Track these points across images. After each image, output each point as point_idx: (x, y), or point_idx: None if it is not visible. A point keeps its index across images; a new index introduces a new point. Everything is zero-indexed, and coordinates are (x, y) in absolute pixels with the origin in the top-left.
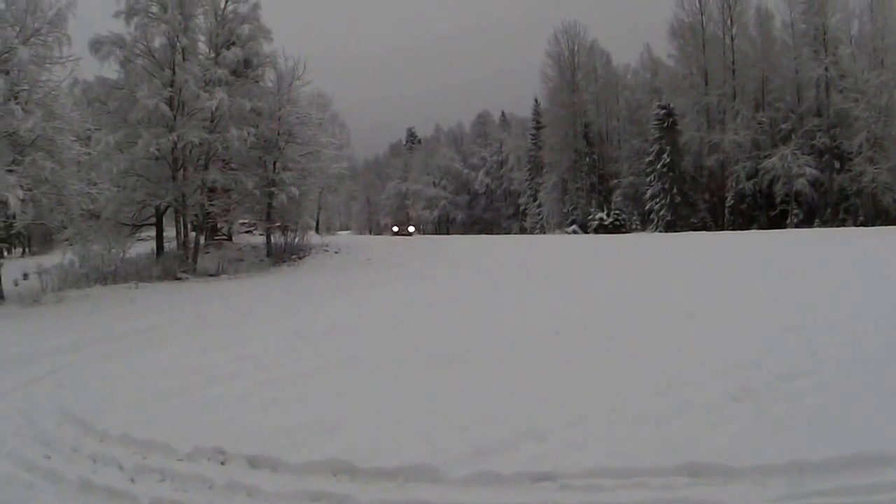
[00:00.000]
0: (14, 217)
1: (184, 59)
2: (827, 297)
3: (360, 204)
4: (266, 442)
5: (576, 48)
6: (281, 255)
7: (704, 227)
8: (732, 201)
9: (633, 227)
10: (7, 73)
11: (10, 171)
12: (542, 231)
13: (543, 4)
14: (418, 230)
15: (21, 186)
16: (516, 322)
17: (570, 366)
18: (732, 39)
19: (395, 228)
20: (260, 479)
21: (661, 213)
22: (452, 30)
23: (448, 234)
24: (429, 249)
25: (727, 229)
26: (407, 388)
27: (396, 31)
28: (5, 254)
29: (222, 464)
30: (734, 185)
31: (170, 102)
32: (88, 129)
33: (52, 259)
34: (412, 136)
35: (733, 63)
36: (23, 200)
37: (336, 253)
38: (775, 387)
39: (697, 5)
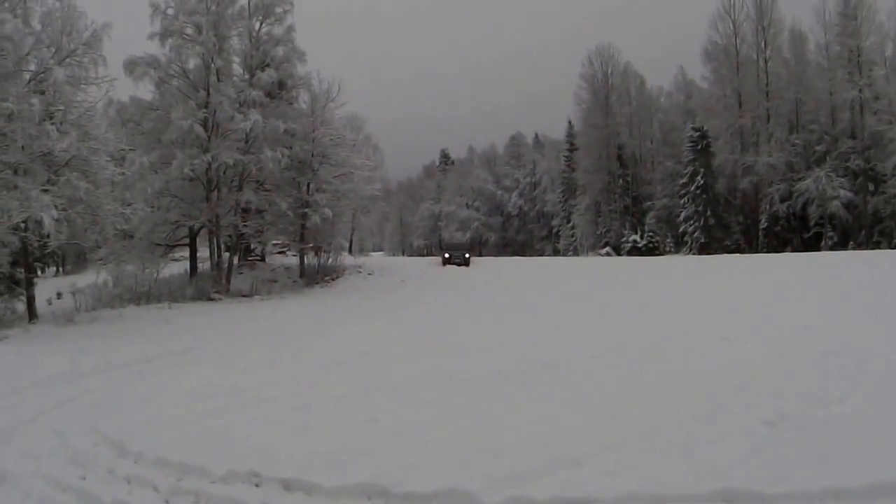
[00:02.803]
0: (48, 236)
1: (218, 80)
2: (863, 321)
3: (394, 225)
4: (300, 465)
5: (609, 70)
6: (314, 277)
7: (738, 250)
8: (766, 224)
9: (667, 249)
10: (42, 93)
11: (45, 190)
12: (576, 253)
13: (578, 28)
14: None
15: (55, 206)
16: (550, 346)
17: (604, 390)
18: (766, 62)
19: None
20: (294, 502)
21: (695, 235)
22: (487, 54)
23: (481, 255)
24: (462, 272)
25: (761, 252)
26: (441, 413)
27: (430, 56)
28: (39, 273)
29: (257, 486)
30: (768, 207)
31: (204, 123)
32: (123, 150)
33: (85, 279)
34: (445, 158)
35: (767, 85)
36: (57, 220)
37: (369, 274)
38: (811, 412)
39: (731, 28)
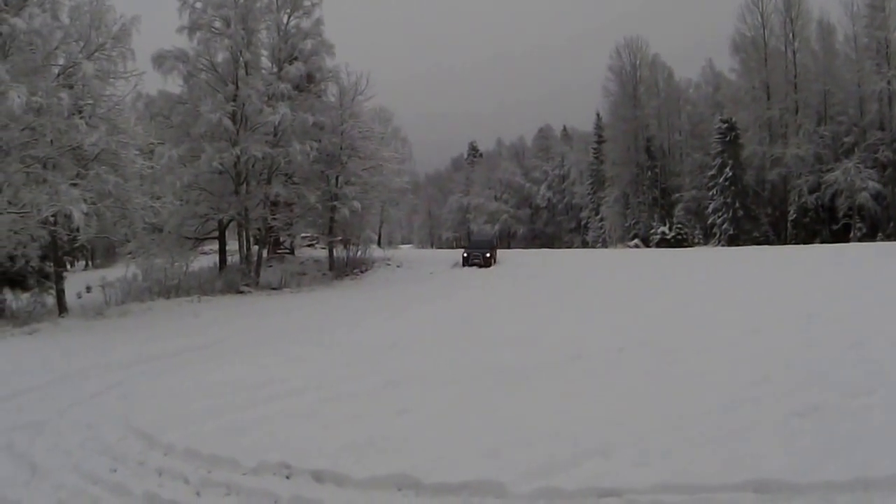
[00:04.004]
0: (78, 230)
1: (247, 73)
2: (893, 312)
3: (422, 218)
4: (330, 457)
5: (637, 62)
6: (343, 269)
7: (767, 242)
8: (795, 215)
9: (696, 241)
10: (71, 87)
11: (74, 184)
12: (604, 245)
13: (605, 20)
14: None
15: (85, 200)
16: (580, 338)
17: (633, 382)
18: (794, 53)
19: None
20: (325, 493)
21: (724, 227)
22: (514, 47)
23: (509, 248)
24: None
25: (789, 243)
26: (470, 405)
27: (457, 50)
28: (69, 267)
29: (287, 478)
30: (796, 199)
31: (233, 117)
32: (152, 143)
33: (115, 272)
34: (474, 150)
35: (795, 77)
36: (86, 214)
37: (398, 267)
38: (840, 404)
39: (759, 20)
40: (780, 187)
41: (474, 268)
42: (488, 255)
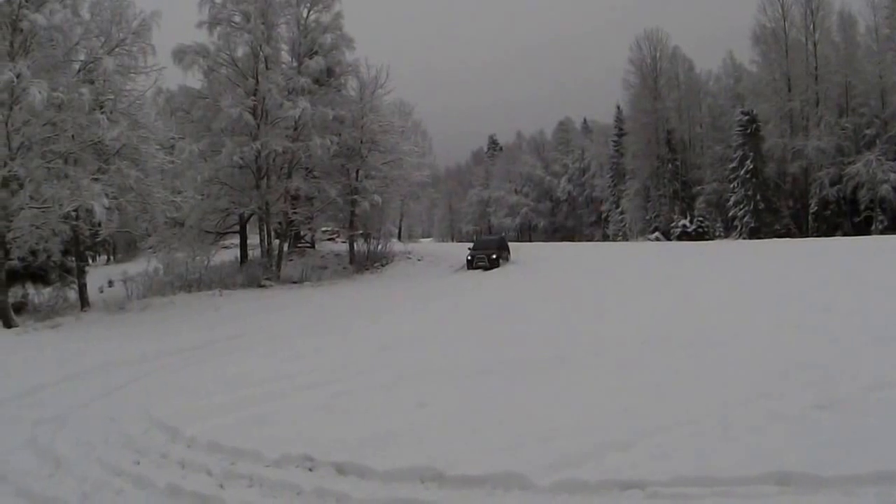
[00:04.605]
0: (99, 225)
1: (267, 68)
2: None
3: (442, 211)
4: (352, 449)
5: (658, 55)
6: (364, 263)
7: (788, 234)
8: (816, 208)
9: (717, 234)
10: (92, 82)
11: (96, 179)
12: (625, 238)
13: (625, 13)
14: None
15: (106, 195)
16: (601, 331)
17: (654, 375)
18: (815, 45)
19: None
20: (348, 485)
21: (745, 219)
22: (534, 39)
23: (530, 241)
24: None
25: (811, 236)
26: (490, 399)
27: (477, 44)
28: (90, 261)
29: (310, 470)
30: (818, 191)
31: (253, 111)
32: (172, 138)
33: (136, 266)
34: (494, 144)
35: (816, 68)
36: (108, 209)
37: (419, 261)
38: (863, 397)
39: (780, 11)
40: (802, 180)
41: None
42: (494, 255)
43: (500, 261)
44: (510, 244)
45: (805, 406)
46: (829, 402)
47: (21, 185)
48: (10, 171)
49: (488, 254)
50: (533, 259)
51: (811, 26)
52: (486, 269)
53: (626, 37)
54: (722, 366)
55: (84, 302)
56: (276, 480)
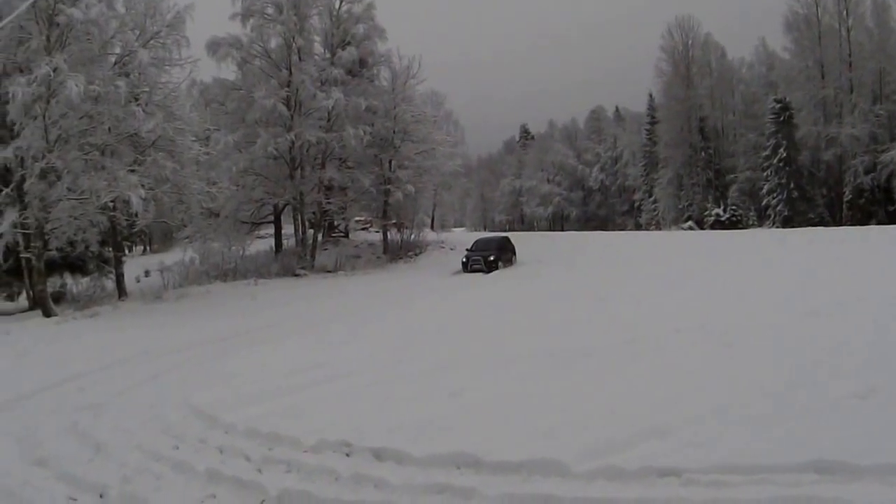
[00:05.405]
0: (136, 215)
1: (300, 59)
2: None
3: (475, 201)
4: (389, 436)
5: (690, 42)
6: (397, 252)
7: (822, 223)
8: (850, 196)
9: (750, 222)
10: (128, 75)
11: (132, 170)
12: (658, 227)
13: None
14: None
15: (143, 186)
16: (635, 320)
17: (689, 364)
18: (849, 31)
19: (463, 258)
20: (385, 471)
21: (778, 208)
22: (564, 28)
23: (562, 230)
24: (543, 246)
25: (845, 225)
26: (524, 387)
27: (508, 33)
28: (127, 252)
29: (347, 456)
30: (852, 179)
31: (287, 102)
32: (207, 130)
33: (172, 256)
34: (526, 133)
35: (850, 55)
36: (144, 199)
37: (451, 250)
38: None
39: None
40: (835, 168)
41: (527, 251)
42: (492, 258)
43: (500, 263)
44: (523, 238)
45: (843, 394)
46: (866, 391)
47: (59, 177)
48: (48, 164)
49: (485, 256)
50: (560, 244)
51: (844, 12)
52: (485, 272)
53: (657, 23)
54: (759, 355)
55: (121, 291)
56: (314, 466)
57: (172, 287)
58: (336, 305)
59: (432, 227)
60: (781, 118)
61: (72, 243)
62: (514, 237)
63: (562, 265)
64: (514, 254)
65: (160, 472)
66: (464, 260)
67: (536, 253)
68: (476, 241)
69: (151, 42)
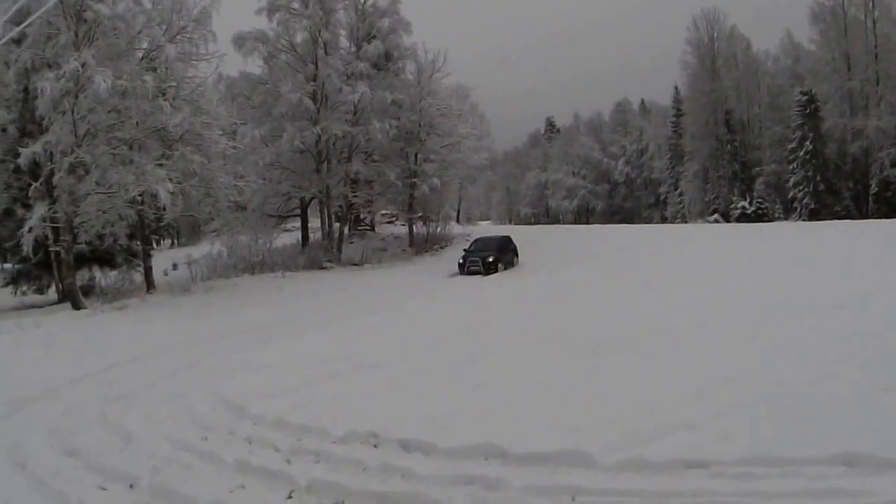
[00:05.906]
0: (164, 209)
1: (326, 53)
2: None
3: (500, 194)
4: (416, 427)
5: (715, 34)
6: (423, 245)
7: (848, 216)
8: (877, 189)
9: (776, 215)
10: (155, 70)
11: (160, 164)
12: (684, 220)
13: None
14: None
15: (170, 180)
16: (660, 314)
17: (715, 357)
18: (875, 23)
19: (460, 259)
20: (413, 461)
21: (805, 201)
22: (590, 21)
23: (588, 223)
24: (568, 239)
25: (871, 218)
26: (552, 379)
27: (533, 25)
28: (155, 245)
29: (375, 447)
30: (878, 172)
31: (313, 96)
32: (234, 124)
33: (200, 250)
34: (551, 126)
35: (876, 47)
36: (172, 193)
37: None
38: None
39: None
40: (862, 160)
41: (552, 245)
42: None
43: (500, 265)
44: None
45: (870, 388)
46: (894, 385)
47: (87, 171)
48: (76, 158)
49: (483, 256)
50: (585, 238)
51: (870, 4)
52: (483, 274)
53: (682, 16)
54: (784, 348)
55: (150, 284)
56: (342, 456)
57: (200, 280)
58: (363, 298)
59: (458, 221)
60: (807, 110)
61: (100, 237)
62: (538, 230)
63: (587, 258)
64: (517, 255)
65: (189, 463)
66: (460, 261)
67: (558, 246)
68: (475, 241)
69: (178, 37)
